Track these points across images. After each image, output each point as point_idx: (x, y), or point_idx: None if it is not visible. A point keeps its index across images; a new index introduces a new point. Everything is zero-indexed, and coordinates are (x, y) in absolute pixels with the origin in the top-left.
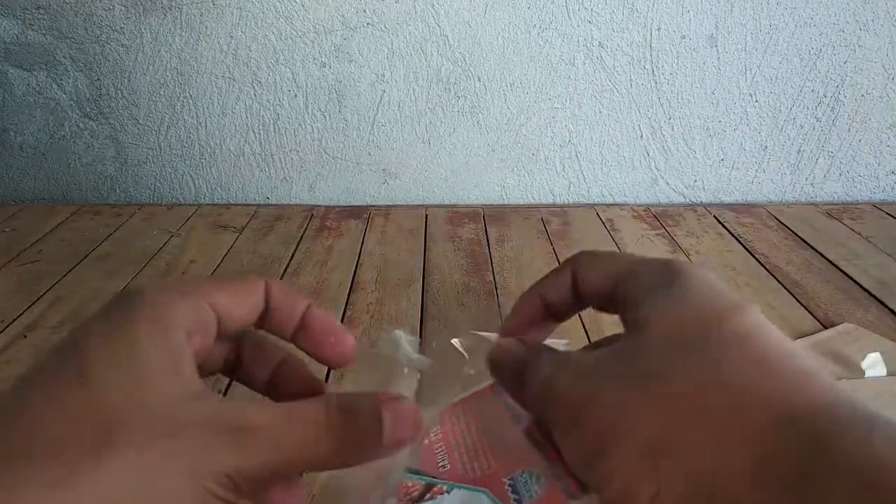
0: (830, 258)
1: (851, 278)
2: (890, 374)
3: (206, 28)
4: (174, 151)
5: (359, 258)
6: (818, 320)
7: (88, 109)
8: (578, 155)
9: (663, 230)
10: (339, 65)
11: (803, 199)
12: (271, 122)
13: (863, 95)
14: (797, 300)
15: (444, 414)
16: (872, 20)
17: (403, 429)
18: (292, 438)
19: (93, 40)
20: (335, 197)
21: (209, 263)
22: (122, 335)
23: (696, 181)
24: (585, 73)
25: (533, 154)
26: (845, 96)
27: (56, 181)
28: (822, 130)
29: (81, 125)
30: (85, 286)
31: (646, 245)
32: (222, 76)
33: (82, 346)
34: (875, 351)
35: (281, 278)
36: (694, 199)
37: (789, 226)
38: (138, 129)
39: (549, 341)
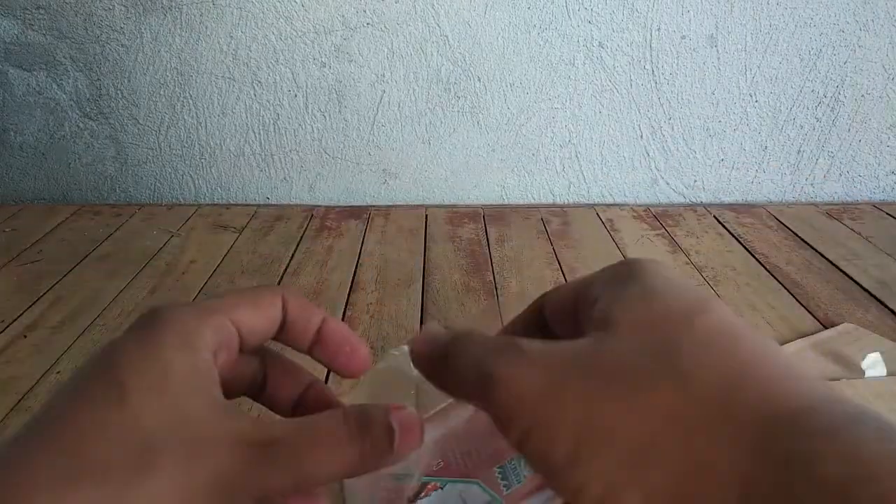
0: (830, 258)
1: (851, 278)
2: (890, 374)
3: (206, 28)
4: (174, 151)
5: (359, 258)
6: (818, 320)
7: (88, 109)
8: (578, 155)
9: (663, 230)
10: (339, 65)
11: (803, 199)
12: (271, 122)
13: (863, 95)
14: (797, 300)
15: (437, 416)
16: (872, 20)
17: (411, 437)
18: (318, 452)
19: (93, 40)
20: (335, 197)
21: (209, 263)
22: (154, 358)
23: (696, 181)
24: (585, 73)
25: (533, 154)
26: (845, 96)
27: (56, 181)
28: (822, 130)
29: (81, 125)
30: (85, 286)
31: (646, 245)
32: (222, 76)
33: (117, 369)
34: (875, 351)
35: (281, 278)
36: (694, 200)
37: (789, 226)
38: (138, 129)
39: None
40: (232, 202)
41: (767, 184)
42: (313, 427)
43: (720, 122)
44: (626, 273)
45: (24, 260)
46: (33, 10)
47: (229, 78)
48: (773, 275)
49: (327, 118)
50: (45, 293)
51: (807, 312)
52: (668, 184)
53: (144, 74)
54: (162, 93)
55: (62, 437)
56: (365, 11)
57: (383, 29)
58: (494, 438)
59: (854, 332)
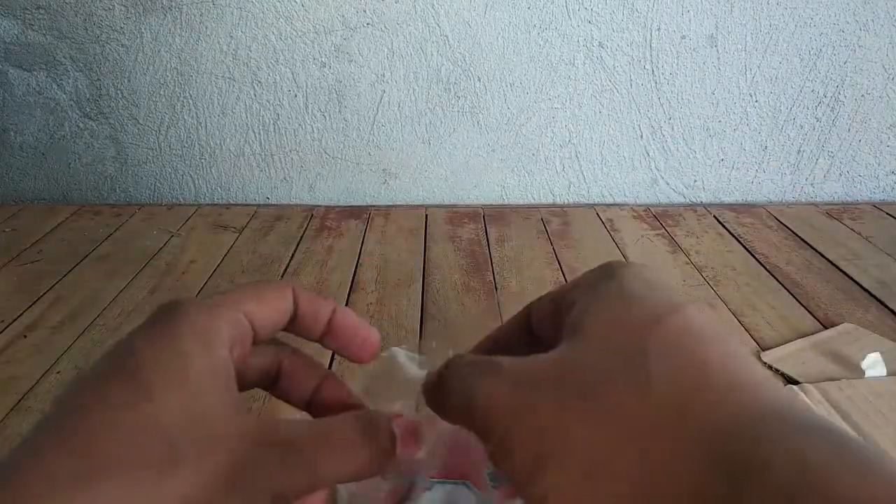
0: (830, 258)
1: (851, 278)
2: (890, 374)
3: (206, 28)
4: (174, 151)
5: (359, 258)
6: (818, 320)
7: (88, 109)
8: (578, 155)
9: (663, 230)
10: (339, 65)
11: (803, 199)
12: (271, 122)
13: (863, 95)
14: (797, 300)
15: (429, 416)
16: (872, 20)
17: (410, 443)
18: (332, 455)
19: (93, 40)
20: (335, 197)
21: (209, 263)
22: (173, 355)
23: (696, 181)
24: (585, 73)
25: (533, 154)
26: (845, 96)
27: (56, 181)
28: (822, 130)
29: (81, 125)
30: (85, 286)
31: (646, 245)
32: (222, 76)
33: (137, 366)
34: (875, 351)
35: (281, 278)
36: (694, 199)
37: (789, 226)
38: (138, 129)
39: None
40: (232, 202)
41: (767, 184)
42: (328, 430)
43: (720, 122)
44: (603, 277)
45: (24, 260)
46: (33, 10)
47: (229, 78)
48: (773, 275)
49: (327, 118)
50: (45, 293)
51: (807, 312)
52: (668, 184)
53: (144, 74)
54: (162, 93)
55: (86, 433)
56: (365, 11)
57: (383, 29)
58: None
59: (854, 332)
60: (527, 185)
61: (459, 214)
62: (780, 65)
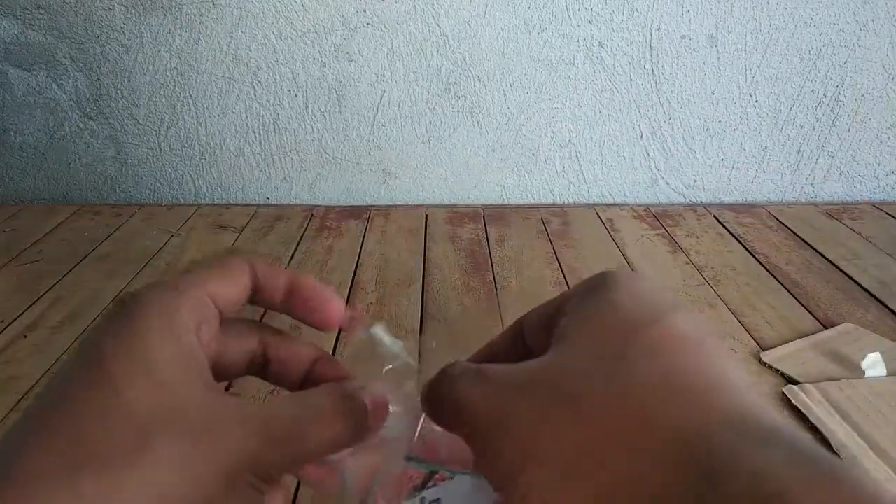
0: (830, 258)
1: (851, 278)
2: (890, 374)
3: (206, 28)
4: (174, 151)
5: (359, 258)
6: (818, 320)
7: (88, 109)
8: (578, 155)
9: (663, 230)
10: (339, 65)
11: (803, 199)
12: (271, 122)
13: (863, 95)
14: (797, 300)
15: (410, 396)
16: (872, 20)
17: (379, 414)
18: (313, 427)
19: (93, 40)
20: (335, 197)
21: None
22: (137, 344)
23: (696, 181)
24: (585, 73)
25: (533, 154)
26: (845, 96)
27: (56, 181)
28: (822, 130)
29: (81, 125)
30: (85, 286)
31: (646, 245)
32: (222, 76)
33: (102, 358)
34: (875, 351)
35: None
36: (694, 199)
37: (789, 226)
38: (138, 129)
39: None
40: (232, 202)
41: (767, 184)
42: (306, 403)
43: (720, 122)
44: (594, 287)
45: (24, 260)
46: (33, 10)
47: (229, 78)
48: (773, 275)
49: (327, 118)
50: (45, 293)
51: (807, 312)
52: (668, 184)
53: (144, 74)
54: (162, 93)
55: (57, 428)
56: (365, 11)
57: (383, 29)
58: None
59: (854, 332)
60: (527, 185)
61: (459, 214)
62: (780, 65)
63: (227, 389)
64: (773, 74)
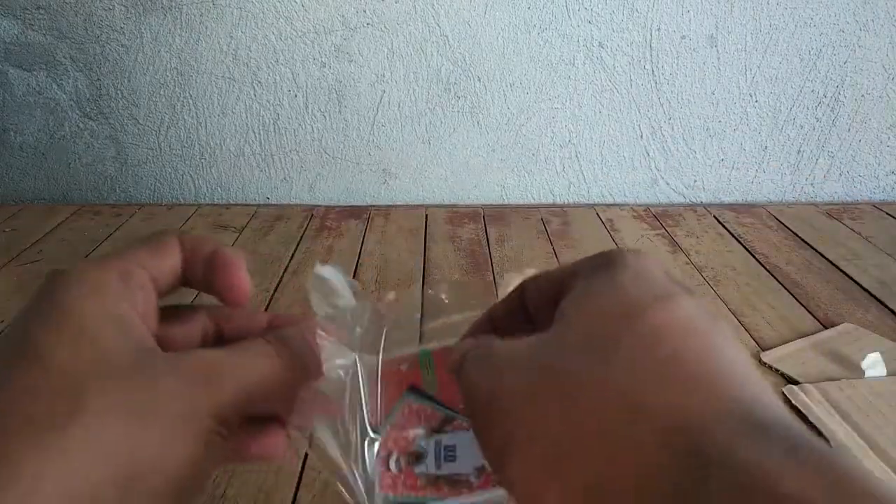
0: (830, 258)
1: (851, 278)
2: (890, 374)
3: (206, 28)
4: (174, 151)
5: (359, 258)
6: (818, 320)
7: (88, 109)
8: (578, 155)
9: (663, 230)
10: (339, 65)
11: (803, 199)
12: (271, 122)
13: (863, 95)
14: (797, 300)
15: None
16: (872, 20)
17: (319, 350)
18: (254, 370)
19: (93, 40)
20: (335, 197)
21: None
22: (62, 312)
23: (696, 181)
24: (585, 73)
25: (533, 154)
26: (845, 96)
27: (56, 181)
28: (822, 130)
29: (81, 125)
30: None
31: (646, 245)
32: (222, 76)
33: (28, 329)
34: (875, 351)
35: (281, 278)
36: (694, 199)
37: (789, 226)
38: (138, 129)
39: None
40: (232, 202)
41: (767, 184)
42: (244, 348)
43: (720, 122)
44: (601, 265)
45: (24, 260)
46: (33, 10)
47: (229, 78)
48: (773, 275)
49: (327, 118)
50: None
51: (807, 312)
52: (668, 184)
53: (144, 74)
54: (162, 93)
55: None
56: (365, 11)
57: (383, 29)
58: None
59: (854, 332)
60: (527, 185)
61: (459, 214)
62: (780, 65)
63: None
64: (773, 74)
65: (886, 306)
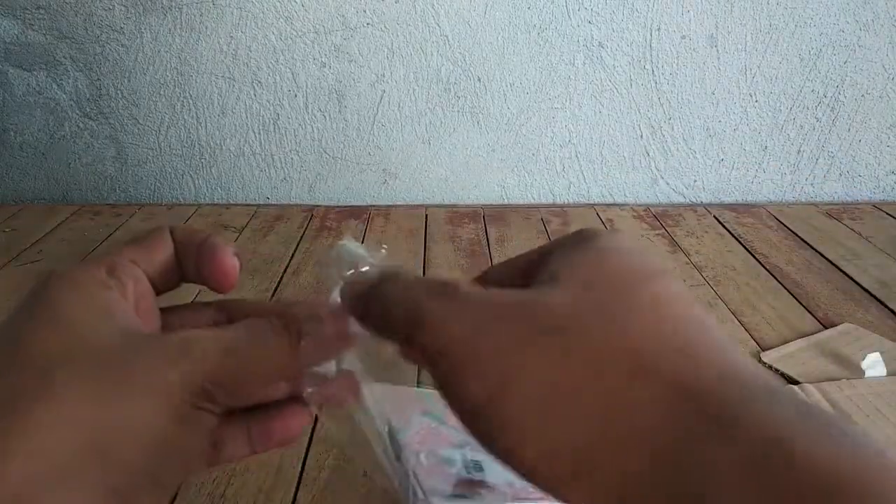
0: (830, 258)
1: (851, 278)
2: (890, 374)
3: (206, 28)
4: (174, 151)
5: None
6: (818, 320)
7: (88, 109)
8: (578, 155)
9: (663, 230)
10: (339, 65)
11: (803, 199)
12: (271, 122)
13: (863, 95)
14: (797, 300)
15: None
16: (872, 20)
17: (341, 327)
18: (239, 341)
19: (93, 40)
20: (335, 197)
21: None
22: (44, 307)
23: (696, 181)
24: (585, 73)
25: (533, 154)
26: (845, 96)
27: (56, 181)
28: (822, 130)
29: (81, 125)
30: None
31: (645, 245)
32: (222, 76)
33: (9, 328)
34: (875, 351)
35: (281, 278)
36: (694, 199)
37: (789, 226)
38: (138, 129)
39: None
40: (232, 202)
41: (767, 184)
42: (237, 325)
43: (720, 122)
44: (585, 238)
45: (24, 260)
46: (33, 10)
47: (229, 78)
48: (773, 275)
49: (327, 118)
50: None
51: (807, 312)
52: (668, 184)
53: (144, 74)
54: (162, 93)
55: None
56: (365, 11)
57: (383, 29)
58: None
59: (854, 332)
60: (527, 185)
61: (459, 214)
62: (780, 65)
63: None
64: (773, 74)
65: (886, 306)
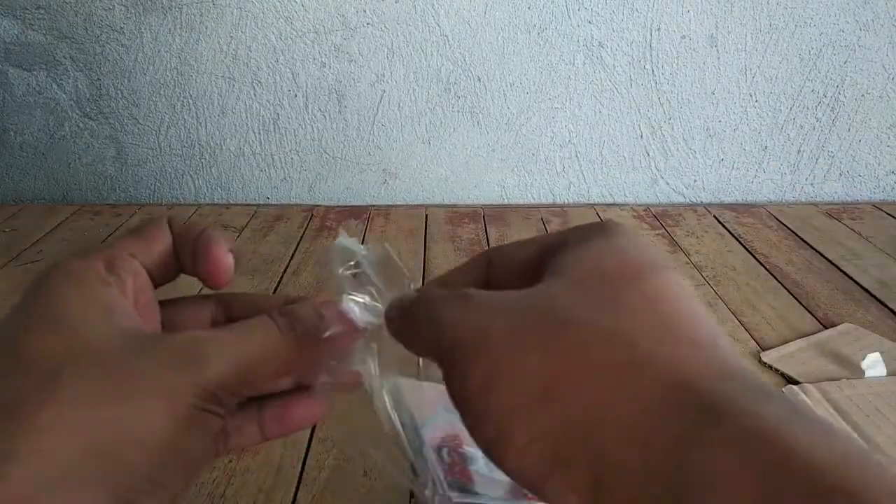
0: (830, 258)
1: (851, 278)
2: (890, 374)
3: (206, 28)
4: (174, 151)
5: None
6: (818, 320)
7: (88, 109)
8: (578, 155)
9: (663, 230)
10: (339, 65)
11: (803, 199)
12: (271, 122)
13: (863, 95)
14: (797, 300)
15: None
16: (872, 20)
17: (343, 323)
18: (251, 345)
19: (93, 40)
20: (335, 197)
21: None
22: (43, 307)
23: (696, 181)
24: (585, 73)
25: (533, 154)
26: (845, 96)
27: (56, 181)
28: (822, 130)
29: (81, 125)
30: None
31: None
32: (222, 76)
33: (8, 330)
34: (875, 351)
35: (281, 278)
36: (694, 199)
37: (789, 226)
38: (138, 129)
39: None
40: (232, 202)
41: (767, 184)
42: (240, 325)
43: (720, 122)
44: (595, 230)
45: (24, 260)
46: (33, 10)
47: (229, 78)
48: (773, 275)
49: (327, 118)
50: None
51: (807, 312)
52: (668, 184)
53: (144, 74)
54: (162, 93)
55: None
56: (365, 11)
57: (383, 29)
58: None
59: (854, 332)
60: (527, 185)
61: (459, 214)
62: (780, 65)
63: None
64: (773, 74)
65: (886, 306)
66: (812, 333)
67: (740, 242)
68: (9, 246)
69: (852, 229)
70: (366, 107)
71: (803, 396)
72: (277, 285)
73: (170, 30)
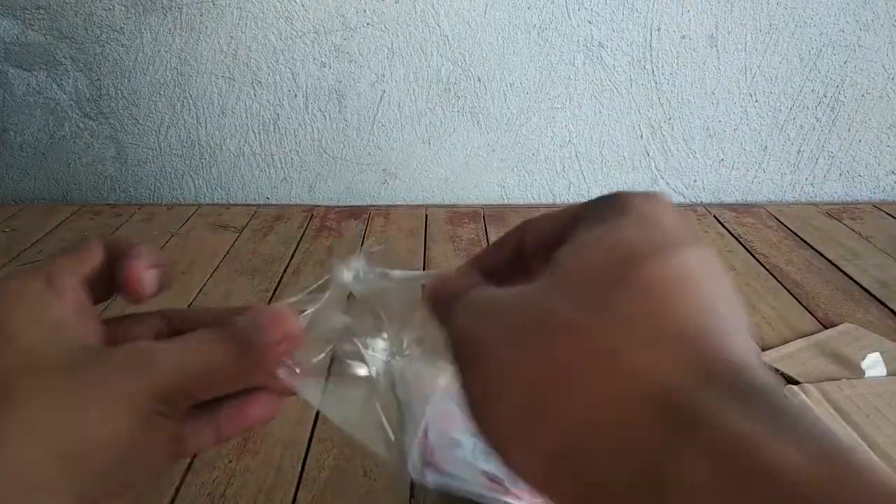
0: (830, 258)
1: (851, 278)
2: (890, 374)
3: (206, 28)
4: (174, 151)
5: None
6: (818, 320)
7: (88, 109)
8: (578, 155)
9: None
10: (339, 65)
11: (803, 199)
12: (271, 122)
13: (863, 95)
14: (797, 300)
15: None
16: (872, 20)
17: (283, 324)
18: (193, 355)
19: (93, 40)
20: (335, 197)
21: (209, 263)
22: None
23: (696, 181)
24: (585, 73)
25: (533, 154)
26: (845, 96)
27: (56, 181)
28: (822, 130)
29: (81, 125)
30: None
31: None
32: (222, 76)
33: None
34: (875, 351)
35: (281, 278)
36: (694, 199)
37: (789, 226)
38: (138, 129)
39: None
40: (232, 202)
41: (767, 184)
42: (182, 338)
43: (720, 122)
44: (605, 209)
45: (24, 260)
46: (33, 10)
47: (229, 78)
48: (773, 275)
49: (327, 118)
50: None
51: (807, 312)
52: (668, 184)
53: (144, 74)
54: (162, 93)
55: None
56: (365, 11)
57: (383, 29)
58: None
59: (854, 332)
60: (527, 185)
61: (459, 214)
62: (780, 65)
63: None
64: (773, 74)
65: (886, 306)
66: (812, 333)
67: (740, 242)
68: (9, 246)
69: (852, 229)
70: (366, 107)
71: (803, 396)
72: (277, 285)
73: (170, 30)
